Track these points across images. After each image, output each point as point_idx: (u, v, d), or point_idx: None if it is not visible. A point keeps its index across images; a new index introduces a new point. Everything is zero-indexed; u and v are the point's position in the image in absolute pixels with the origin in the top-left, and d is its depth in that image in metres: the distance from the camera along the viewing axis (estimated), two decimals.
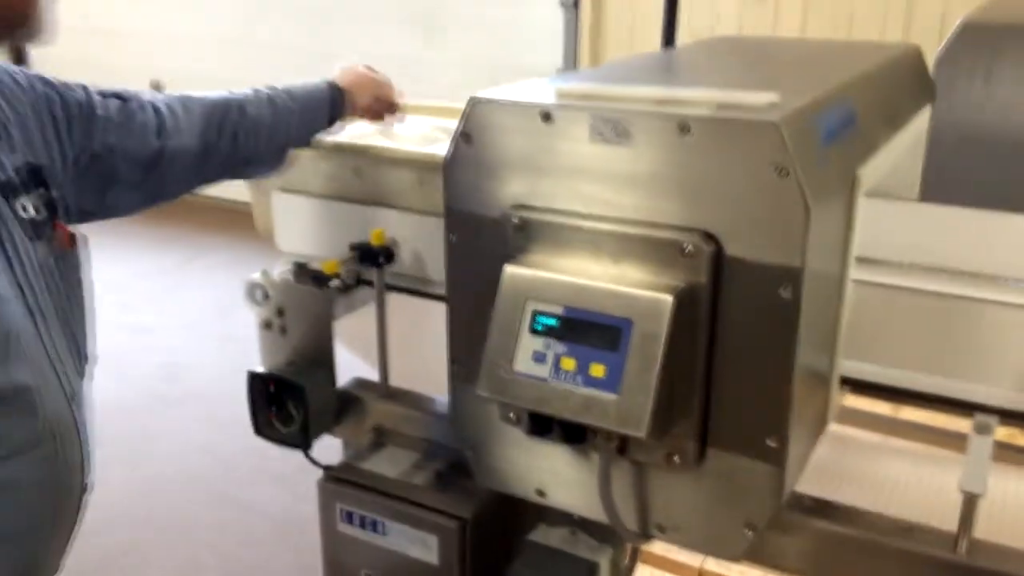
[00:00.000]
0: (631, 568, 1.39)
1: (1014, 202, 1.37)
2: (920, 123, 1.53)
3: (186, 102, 1.46)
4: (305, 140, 1.56)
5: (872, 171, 1.18)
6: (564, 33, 4.77)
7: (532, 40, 4.87)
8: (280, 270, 1.65)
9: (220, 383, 3.56)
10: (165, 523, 2.93)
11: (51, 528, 1.22)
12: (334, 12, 5.47)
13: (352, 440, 1.62)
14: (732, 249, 0.98)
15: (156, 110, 1.41)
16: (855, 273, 1.19)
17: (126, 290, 4.68)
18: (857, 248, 1.19)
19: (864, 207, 1.18)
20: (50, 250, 1.19)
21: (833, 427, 1.36)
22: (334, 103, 1.58)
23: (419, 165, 1.51)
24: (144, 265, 5.25)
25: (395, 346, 1.61)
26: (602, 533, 1.37)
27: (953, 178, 2.06)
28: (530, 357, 1.04)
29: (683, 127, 0.97)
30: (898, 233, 1.31)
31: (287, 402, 1.57)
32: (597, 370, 1.00)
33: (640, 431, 0.98)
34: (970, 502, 1.13)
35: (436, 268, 1.53)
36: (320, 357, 1.58)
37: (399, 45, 5.24)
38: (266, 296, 1.60)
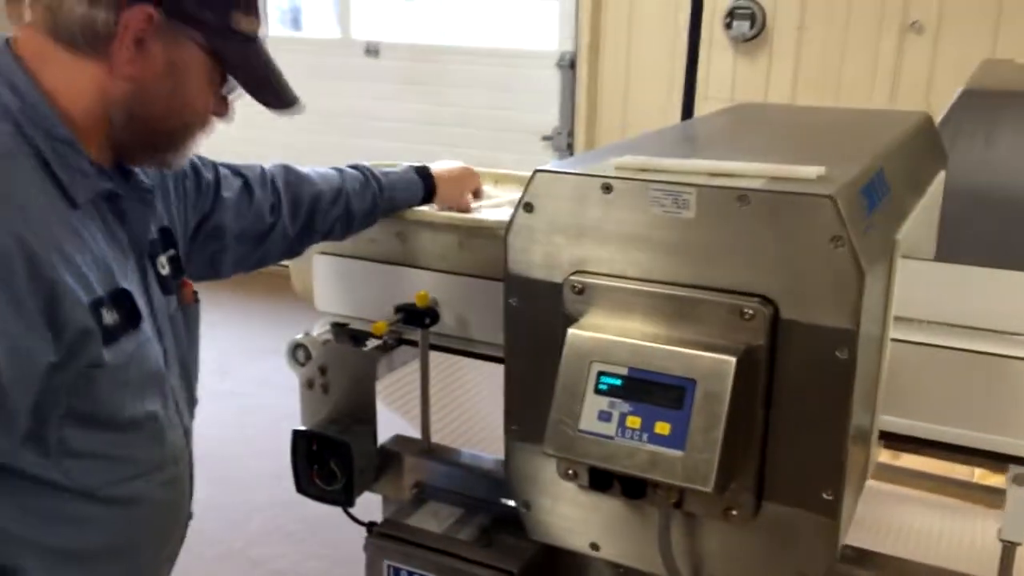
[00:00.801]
0: None
1: (1015, 260, 1.46)
2: (937, 187, 1.61)
3: (298, 184, 1.51)
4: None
5: (905, 235, 1.25)
6: (561, 93, 4.90)
7: (530, 100, 4.99)
8: (319, 331, 1.70)
9: (223, 443, 3.56)
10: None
11: (164, 547, 1.33)
12: (339, 73, 5.57)
13: (392, 496, 1.65)
14: (788, 313, 1.04)
15: (274, 188, 1.49)
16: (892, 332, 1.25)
17: None
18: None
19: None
20: (177, 304, 1.30)
21: (870, 481, 1.42)
22: (424, 198, 1.63)
23: (460, 229, 1.57)
24: None
25: (433, 403, 1.65)
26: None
27: (960, 237, 2.16)
28: (595, 416, 1.08)
29: (742, 199, 1.04)
30: (920, 291, 1.38)
31: (329, 460, 1.60)
32: (662, 428, 1.05)
33: (707, 486, 1.02)
34: (1009, 551, 1.18)
35: (476, 327, 1.58)
36: (363, 415, 1.62)
37: (399, 104, 5.35)
38: (308, 356, 1.64)
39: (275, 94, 1.23)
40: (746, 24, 4.22)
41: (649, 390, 1.06)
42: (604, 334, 1.10)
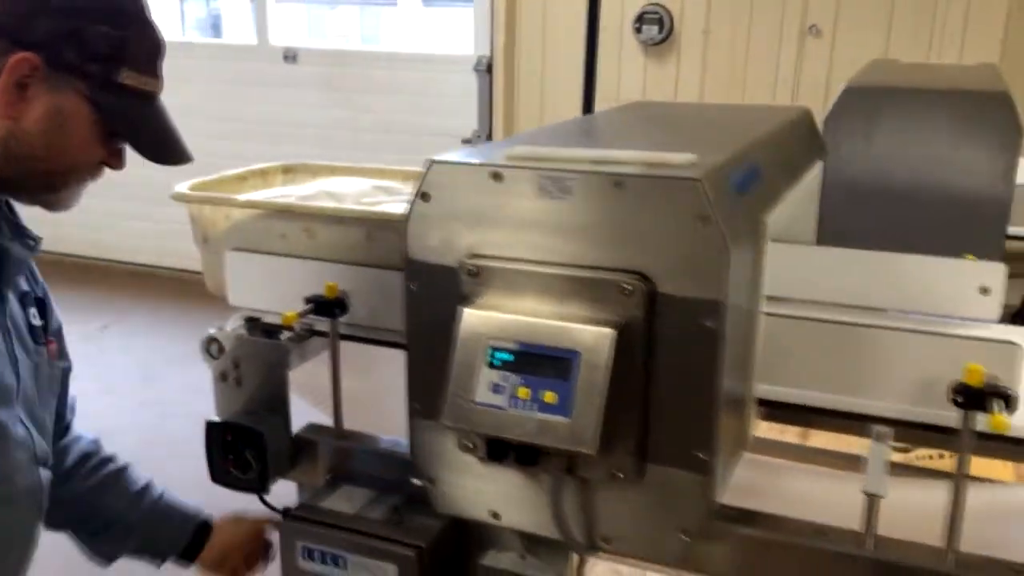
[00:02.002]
0: None
1: (892, 246, 1.59)
2: (813, 176, 1.73)
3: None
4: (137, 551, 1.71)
5: (775, 218, 1.36)
6: (478, 97, 4.99)
7: (448, 104, 5.06)
8: (232, 325, 1.74)
9: (142, 447, 3.53)
10: None
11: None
12: (257, 80, 5.56)
13: (307, 482, 1.69)
14: (664, 287, 1.13)
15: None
16: (766, 307, 1.36)
17: None
18: (767, 286, 1.37)
19: (771, 251, 1.36)
20: (41, 354, 1.38)
21: (756, 456, 1.53)
22: (193, 542, 1.70)
23: (367, 222, 1.64)
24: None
25: (346, 392, 1.71)
26: (548, 555, 1.49)
27: (843, 226, 2.30)
28: (489, 389, 1.16)
29: (618, 184, 1.13)
30: (798, 272, 1.50)
31: (244, 450, 1.64)
32: (550, 397, 1.13)
33: (591, 449, 1.11)
34: (873, 503, 1.29)
35: (385, 317, 1.64)
36: (276, 405, 1.67)
37: (319, 110, 5.36)
38: (221, 350, 1.68)
39: (160, 150, 1.27)
40: (655, 28, 4.36)
41: (537, 363, 1.15)
42: (496, 312, 1.18)
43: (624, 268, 1.14)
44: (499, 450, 1.21)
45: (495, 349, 1.17)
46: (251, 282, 1.73)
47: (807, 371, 1.38)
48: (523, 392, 1.15)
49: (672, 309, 1.13)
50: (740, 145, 1.34)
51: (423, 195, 1.23)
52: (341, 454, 1.66)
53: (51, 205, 1.27)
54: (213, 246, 1.79)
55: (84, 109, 1.18)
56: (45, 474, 1.38)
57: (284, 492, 1.71)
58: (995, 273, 1.58)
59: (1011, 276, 2.37)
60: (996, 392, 1.21)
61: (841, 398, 1.36)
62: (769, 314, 1.36)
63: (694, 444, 1.17)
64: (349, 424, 1.70)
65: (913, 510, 1.50)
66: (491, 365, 1.16)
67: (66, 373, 1.57)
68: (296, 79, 5.45)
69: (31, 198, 1.24)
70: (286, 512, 1.57)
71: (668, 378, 1.16)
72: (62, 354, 1.50)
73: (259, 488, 1.65)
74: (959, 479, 1.25)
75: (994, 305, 1.56)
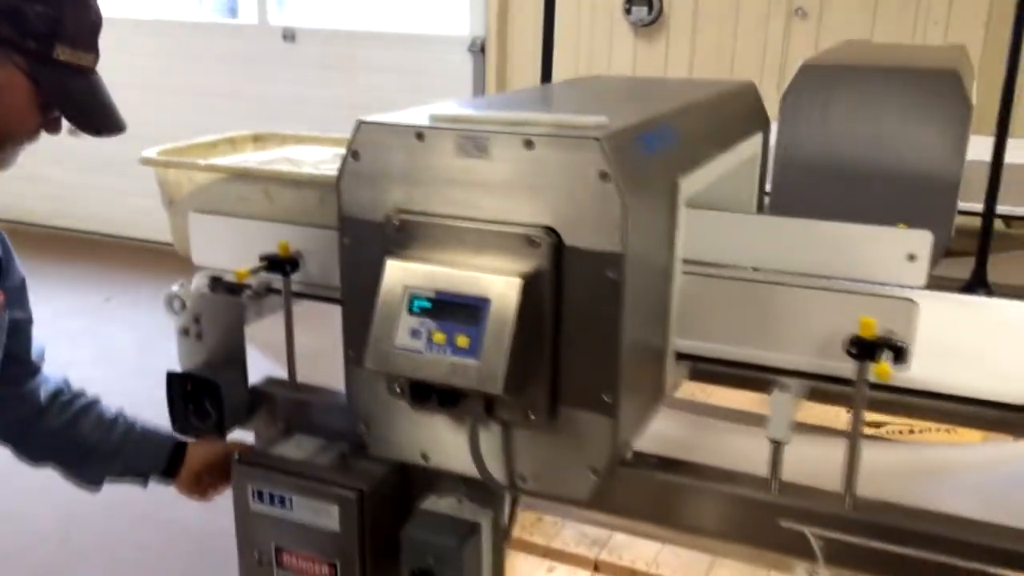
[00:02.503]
0: (509, 528, 1.60)
1: (845, 220, 1.66)
2: (751, 147, 1.80)
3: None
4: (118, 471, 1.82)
5: (694, 181, 1.43)
6: (472, 76, 5.06)
7: (443, 83, 5.14)
8: (196, 283, 1.83)
9: (132, 410, 3.65)
10: (86, 545, 3.01)
11: None
12: (257, 58, 5.65)
13: (263, 432, 1.79)
14: (569, 240, 1.22)
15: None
16: (689, 266, 1.44)
17: (46, 326, 4.73)
18: (704, 253, 1.45)
19: (699, 216, 1.44)
20: None
21: (703, 418, 1.62)
22: (170, 462, 1.81)
23: (320, 185, 1.72)
24: (65, 303, 5.29)
25: (304, 348, 1.80)
26: (484, 499, 1.57)
27: (799, 200, 2.36)
28: (408, 334, 1.25)
29: (528, 143, 1.21)
30: (736, 240, 1.58)
31: (204, 400, 1.74)
32: (462, 341, 1.22)
33: (497, 389, 1.19)
34: (777, 449, 1.37)
35: (336, 275, 1.73)
36: (234, 358, 1.76)
37: (317, 89, 5.45)
38: (183, 305, 1.77)
39: (94, 121, 1.37)
40: (644, 10, 4.42)
41: (452, 310, 1.23)
42: (417, 264, 1.27)
43: (533, 223, 1.22)
44: (422, 393, 1.30)
45: (414, 297, 1.25)
46: (213, 242, 1.82)
47: (722, 327, 1.46)
48: (439, 337, 1.23)
49: (577, 261, 1.22)
50: (660, 111, 1.42)
51: (353, 153, 1.32)
52: (295, 405, 1.75)
53: None
54: (178, 208, 1.88)
55: (22, 82, 1.28)
56: None
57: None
58: (921, 240, 1.65)
59: (960, 253, 2.45)
60: (887, 344, 1.29)
61: (753, 351, 1.44)
62: (686, 272, 1.44)
63: (601, 388, 1.25)
64: (305, 378, 1.79)
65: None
66: (411, 312, 1.25)
67: (20, 323, 1.68)
68: (295, 58, 5.54)
69: None
70: (239, 458, 1.67)
71: (575, 325, 1.24)
72: (15, 305, 1.61)
73: (217, 436, 1.74)
74: (855, 426, 1.33)
75: (921, 271, 1.63)
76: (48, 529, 2.90)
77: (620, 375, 1.24)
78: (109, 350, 4.57)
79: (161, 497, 3.24)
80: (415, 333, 1.24)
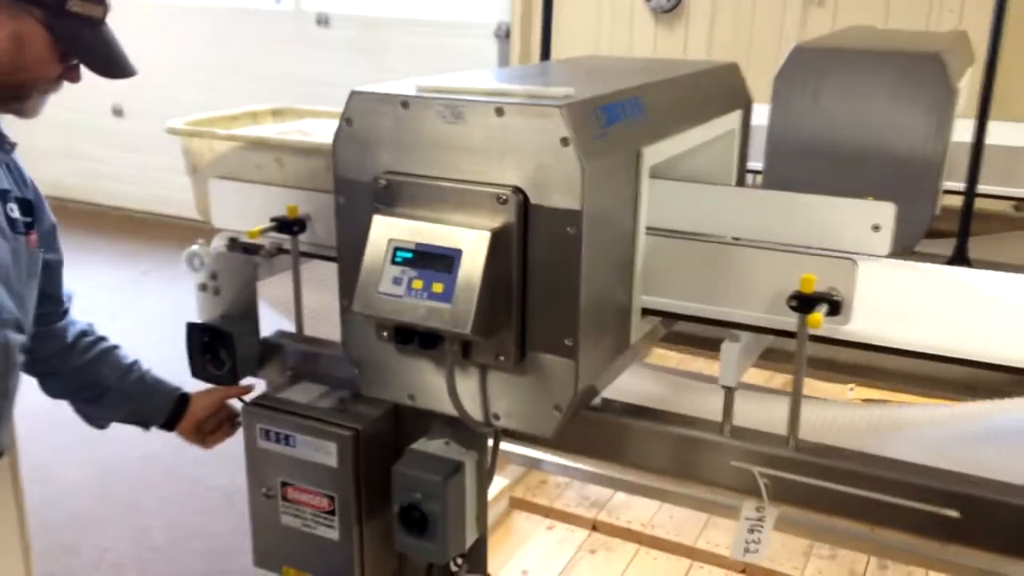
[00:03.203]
0: (492, 468, 1.74)
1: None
2: (728, 123, 1.91)
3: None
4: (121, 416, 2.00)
5: (660, 151, 1.56)
6: (498, 60, 5.19)
7: (468, 67, 5.26)
8: (215, 243, 2.00)
9: (171, 377, 3.86)
10: (119, 496, 3.23)
11: None
12: (288, 41, 5.85)
13: (273, 380, 1.95)
14: (535, 198, 1.35)
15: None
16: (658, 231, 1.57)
17: (85, 298, 4.98)
18: (672, 218, 1.58)
19: (688, 190, 1.58)
20: (19, 241, 1.63)
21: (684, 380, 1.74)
22: (174, 412, 1.98)
23: (326, 153, 1.87)
24: (103, 278, 5.54)
25: (311, 304, 1.96)
26: (469, 442, 1.72)
27: (790, 177, 2.47)
28: (391, 281, 1.40)
29: (499, 111, 1.35)
30: (714, 210, 1.71)
31: (219, 349, 1.91)
32: (438, 287, 1.36)
33: (466, 329, 1.34)
34: (728, 394, 1.50)
35: None
36: (247, 312, 1.93)
37: (348, 71, 5.62)
38: (202, 263, 1.94)
39: (107, 66, 1.53)
40: None
41: (429, 260, 1.38)
42: (400, 219, 1.42)
43: (503, 183, 1.36)
44: (405, 336, 1.45)
45: (397, 249, 1.40)
46: (230, 206, 1.99)
47: (684, 285, 1.59)
48: (417, 284, 1.38)
49: (541, 217, 1.35)
50: (629, 85, 1.55)
51: (347, 120, 1.47)
52: (301, 355, 1.91)
53: (21, 113, 1.54)
54: (200, 176, 2.04)
55: (40, 33, 1.44)
56: (15, 337, 1.63)
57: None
58: (886, 212, 1.77)
59: (942, 234, 2.54)
60: (823, 298, 1.42)
61: (710, 307, 1.57)
62: (650, 233, 1.57)
63: (563, 333, 1.39)
64: (311, 331, 1.95)
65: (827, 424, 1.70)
66: (394, 262, 1.40)
67: (53, 264, 1.85)
68: (328, 42, 5.72)
69: (3, 107, 1.50)
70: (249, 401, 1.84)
71: (540, 276, 1.38)
72: (47, 246, 1.77)
73: (231, 382, 1.91)
74: (797, 375, 1.45)
75: (885, 240, 1.76)
76: (86, 480, 3.11)
77: (580, 322, 1.38)
78: (145, 319, 4.80)
79: (186, 455, 3.45)
80: (397, 280, 1.39)
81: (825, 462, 1.46)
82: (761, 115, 2.53)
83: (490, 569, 2.31)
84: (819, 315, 1.39)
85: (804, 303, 1.41)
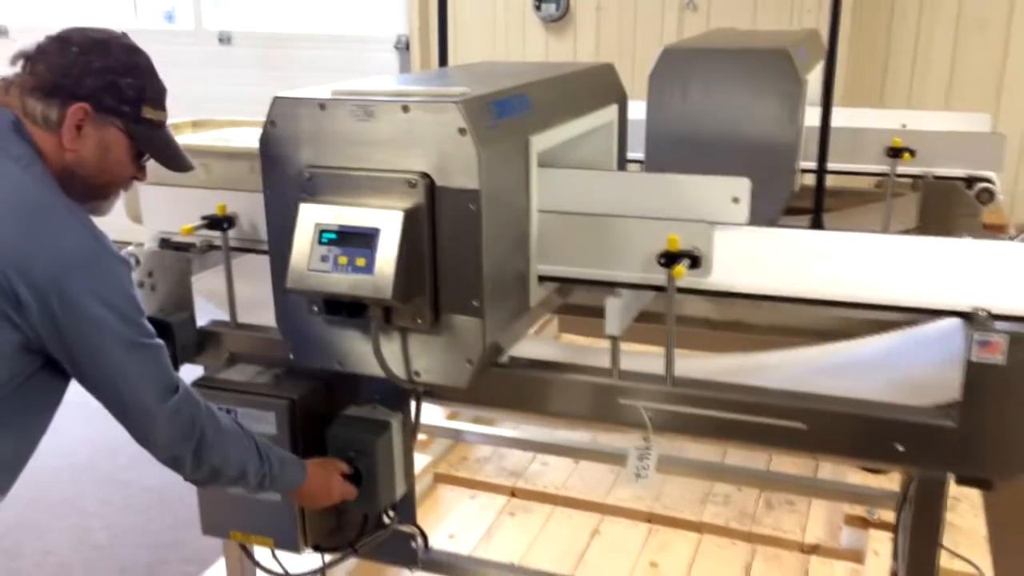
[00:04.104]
0: (415, 427, 1.97)
1: None
2: (606, 115, 2.19)
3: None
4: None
5: (545, 139, 1.82)
6: (399, 71, 5.41)
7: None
8: (148, 243, 2.18)
9: None
10: (56, 502, 3.32)
11: None
12: (191, 61, 5.94)
13: (211, 365, 2.14)
14: (440, 181, 1.59)
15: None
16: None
17: None
18: (568, 203, 1.84)
19: (575, 175, 1.86)
20: None
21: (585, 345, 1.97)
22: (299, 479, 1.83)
23: (250, 156, 2.07)
24: None
25: (242, 295, 2.15)
26: (394, 405, 1.95)
27: (668, 165, 2.77)
28: (319, 259, 1.61)
29: (405, 108, 1.59)
30: (597, 192, 1.98)
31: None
32: (360, 262, 1.59)
33: (387, 295, 1.56)
34: (614, 343, 1.77)
35: (266, 232, 2.08)
36: (183, 304, 2.11)
37: (253, 88, 5.74)
38: (138, 262, 2.11)
39: (175, 162, 1.73)
40: (552, 6, 4.82)
41: (352, 238, 1.60)
42: (324, 205, 1.64)
43: (412, 169, 1.60)
44: (334, 308, 1.67)
45: (323, 231, 1.62)
46: (161, 209, 2.17)
47: (572, 253, 1.85)
48: (342, 260, 1.60)
49: (446, 197, 1.59)
50: (516, 84, 1.80)
51: (271, 123, 1.68)
52: (236, 340, 2.10)
53: (98, 211, 1.69)
54: None
55: (121, 138, 1.62)
56: None
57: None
58: (742, 186, 2.07)
59: (800, 211, 2.86)
60: (686, 254, 1.70)
61: (595, 271, 1.83)
62: (542, 211, 1.83)
63: (471, 296, 1.63)
64: (245, 319, 2.14)
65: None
66: (320, 243, 1.62)
67: None
68: (232, 60, 5.84)
69: (83, 206, 1.63)
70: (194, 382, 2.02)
71: (448, 247, 1.62)
72: None
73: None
74: (669, 319, 1.73)
75: (743, 210, 2.05)
76: (18, 490, 3.18)
77: (484, 285, 1.62)
78: None
79: (120, 461, 3.57)
80: (324, 258, 1.61)
81: (696, 393, 1.73)
82: (640, 111, 2.84)
83: None
84: (682, 267, 1.66)
85: (670, 259, 1.69)
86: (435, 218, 1.62)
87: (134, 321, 1.53)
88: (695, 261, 1.71)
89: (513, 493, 3.09)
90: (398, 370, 1.74)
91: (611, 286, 1.82)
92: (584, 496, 3.02)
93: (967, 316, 1.57)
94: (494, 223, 1.63)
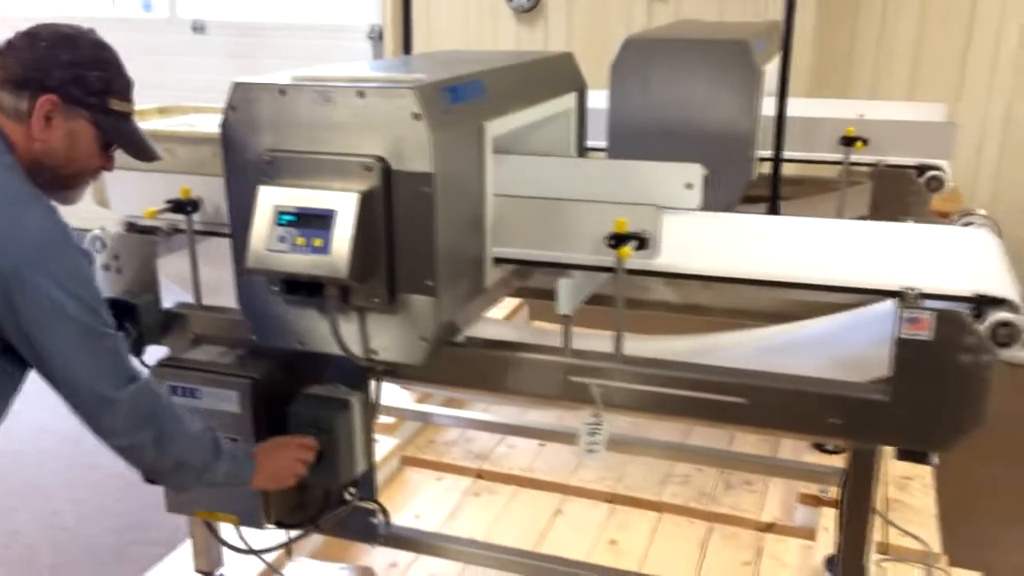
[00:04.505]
0: (376, 406, 2.02)
1: None
2: (564, 103, 2.24)
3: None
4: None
5: (501, 125, 1.87)
6: (372, 60, 5.44)
7: None
8: (115, 227, 2.21)
9: None
10: (24, 485, 3.35)
11: None
12: (165, 49, 5.94)
13: (177, 347, 2.18)
14: (395, 165, 1.64)
15: None
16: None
17: None
18: (530, 188, 1.90)
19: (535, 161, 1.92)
20: None
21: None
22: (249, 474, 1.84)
23: (214, 141, 2.11)
24: None
25: (206, 277, 2.19)
26: (355, 384, 2.00)
27: (630, 153, 2.83)
28: (277, 240, 1.66)
29: (361, 94, 1.64)
30: (556, 177, 2.04)
31: (125, 321, 2.12)
32: (317, 242, 1.64)
33: (343, 274, 1.62)
34: (567, 321, 1.83)
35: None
36: (149, 286, 2.15)
37: (226, 77, 5.76)
38: (104, 245, 2.15)
39: (142, 152, 1.76)
40: None
41: (309, 220, 1.65)
42: (283, 187, 1.68)
43: (368, 153, 1.65)
44: (292, 287, 1.72)
45: (281, 212, 1.67)
46: (127, 193, 2.20)
47: (527, 237, 1.91)
48: (300, 240, 1.65)
49: (401, 180, 1.65)
50: (473, 71, 1.85)
51: (232, 108, 1.73)
52: (201, 321, 2.15)
53: (66, 200, 1.72)
54: None
55: (89, 129, 1.66)
56: None
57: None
58: (695, 172, 2.14)
59: (759, 199, 2.93)
60: (633, 236, 1.76)
61: (548, 253, 1.89)
62: (497, 196, 1.88)
63: (424, 276, 1.69)
64: (209, 301, 2.19)
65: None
66: (278, 224, 1.67)
67: None
68: (206, 49, 5.85)
69: (52, 196, 1.67)
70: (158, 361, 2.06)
71: (403, 229, 1.67)
72: None
73: (137, 351, 2.13)
74: (618, 298, 1.79)
75: (696, 196, 2.12)
76: None
77: (438, 265, 1.68)
78: None
79: (85, 446, 3.59)
80: (282, 239, 1.66)
81: (644, 370, 1.80)
82: (604, 100, 2.91)
83: None
84: (628, 248, 1.73)
85: (618, 240, 1.75)
86: (390, 200, 1.67)
87: (93, 310, 1.57)
88: (642, 243, 1.77)
89: (479, 475, 3.15)
90: (356, 348, 1.79)
91: (564, 268, 1.88)
92: (548, 478, 3.09)
93: (899, 295, 1.64)
94: (447, 206, 1.69)
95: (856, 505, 1.76)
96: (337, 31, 5.63)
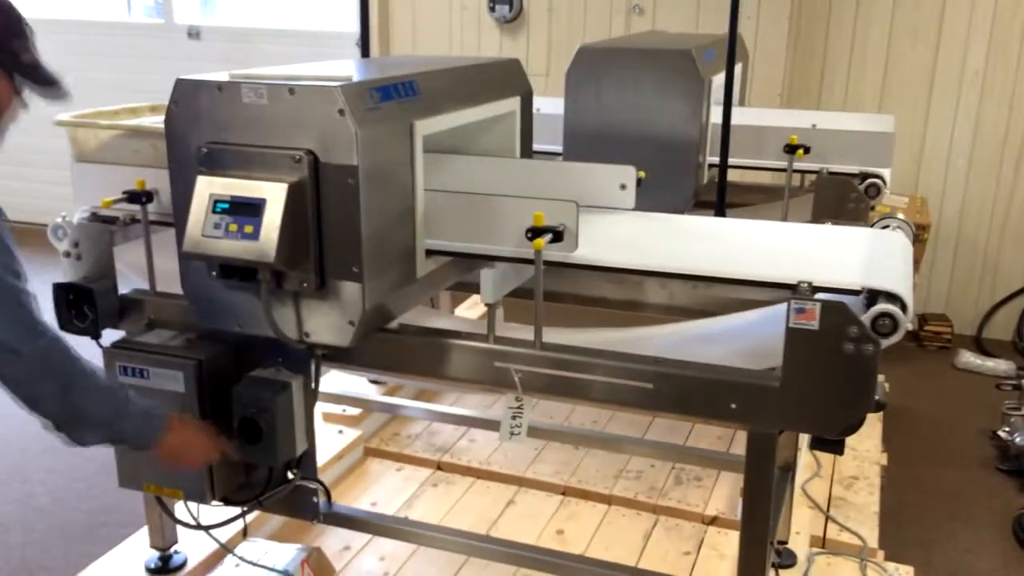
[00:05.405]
0: (315, 389, 2.13)
1: None
2: (506, 106, 2.35)
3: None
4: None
5: (432, 124, 1.98)
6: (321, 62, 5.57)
7: None
8: (76, 216, 2.33)
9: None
10: (3, 470, 3.47)
11: None
12: (161, 54, 6.09)
13: (132, 331, 2.29)
14: (323, 157, 1.76)
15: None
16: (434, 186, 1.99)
17: None
18: (469, 186, 2.00)
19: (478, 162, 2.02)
20: None
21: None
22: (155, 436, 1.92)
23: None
24: None
25: (161, 266, 2.30)
26: (296, 367, 2.11)
27: (584, 158, 2.93)
28: (212, 227, 1.78)
29: (291, 91, 1.75)
30: (497, 178, 2.15)
31: (83, 305, 2.24)
32: (249, 229, 1.75)
33: (271, 260, 1.73)
34: (490, 310, 1.94)
35: None
36: (106, 273, 2.27)
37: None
38: (65, 233, 2.27)
39: (57, 94, 1.82)
40: (506, 7, 5.00)
41: (242, 208, 1.76)
42: (218, 178, 1.80)
43: (297, 146, 1.76)
44: (228, 271, 1.83)
45: (216, 201, 1.78)
46: (88, 185, 2.31)
47: (457, 230, 2.01)
48: (233, 227, 1.76)
49: (328, 172, 1.76)
50: (408, 73, 1.97)
51: (175, 103, 1.85)
52: (155, 307, 2.26)
53: None
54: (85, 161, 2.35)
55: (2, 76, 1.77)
56: None
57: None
58: (629, 174, 2.25)
59: (709, 204, 3.02)
60: (549, 229, 1.87)
61: (476, 245, 2.00)
62: (427, 190, 1.99)
63: (352, 262, 1.80)
64: (164, 289, 2.30)
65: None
66: (214, 211, 1.78)
67: None
68: (200, 54, 5.99)
69: None
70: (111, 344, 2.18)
71: (331, 218, 1.79)
72: None
73: (94, 334, 2.24)
74: (537, 289, 1.89)
75: (629, 196, 2.23)
76: None
77: (364, 253, 1.79)
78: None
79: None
80: (217, 226, 1.78)
81: (560, 356, 1.90)
82: (560, 106, 3.02)
83: (343, 502, 2.70)
84: (542, 240, 1.83)
85: (536, 233, 1.86)
86: (319, 191, 1.78)
87: (5, 265, 1.66)
88: (558, 236, 1.88)
89: (439, 466, 3.25)
90: (290, 331, 1.90)
91: (489, 259, 1.99)
92: (505, 470, 3.19)
93: (793, 288, 1.74)
94: (374, 197, 1.80)
95: (755, 490, 1.86)
96: (326, 38, 5.76)
